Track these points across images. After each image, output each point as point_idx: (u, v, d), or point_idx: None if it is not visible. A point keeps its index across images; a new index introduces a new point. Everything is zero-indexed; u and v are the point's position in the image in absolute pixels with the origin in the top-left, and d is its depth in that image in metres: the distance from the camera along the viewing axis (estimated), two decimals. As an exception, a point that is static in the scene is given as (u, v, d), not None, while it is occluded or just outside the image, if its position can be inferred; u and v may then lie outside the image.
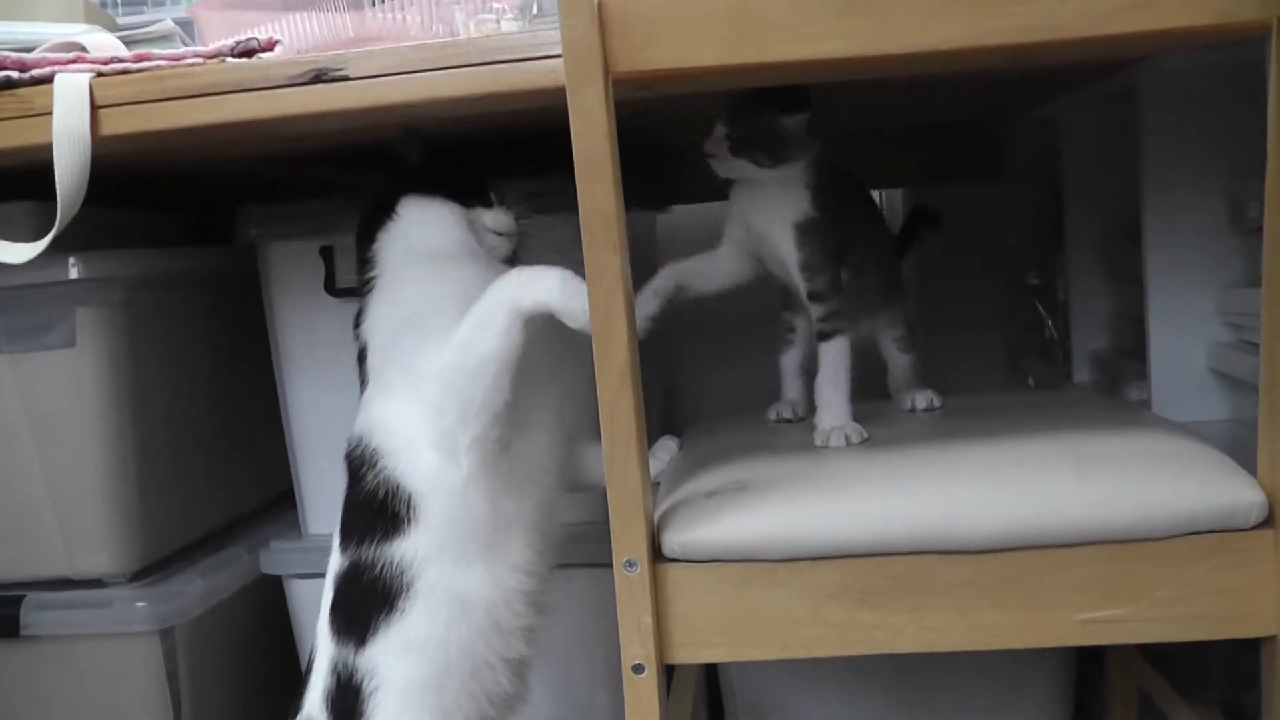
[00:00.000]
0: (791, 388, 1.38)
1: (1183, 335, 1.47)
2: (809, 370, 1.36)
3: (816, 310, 1.25)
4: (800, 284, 1.26)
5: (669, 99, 1.21)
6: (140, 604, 1.49)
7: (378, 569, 1.13)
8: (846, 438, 1.21)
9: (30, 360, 1.47)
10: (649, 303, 1.27)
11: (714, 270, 1.32)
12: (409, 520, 1.13)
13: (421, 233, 1.23)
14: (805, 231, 1.24)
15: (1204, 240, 1.46)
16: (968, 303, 1.99)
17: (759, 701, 1.65)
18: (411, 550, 1.13)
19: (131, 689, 1.50)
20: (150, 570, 1.55)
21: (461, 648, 1.14)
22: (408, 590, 1.13)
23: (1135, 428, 1.17)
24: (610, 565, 1.02)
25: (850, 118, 1.71)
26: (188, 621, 1.52)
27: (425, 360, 1.13)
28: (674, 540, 1.03)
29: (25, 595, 1.50)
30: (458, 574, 1.14)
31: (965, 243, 2.05)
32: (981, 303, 1.97)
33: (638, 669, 1.02)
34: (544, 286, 1.08)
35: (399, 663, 1.13)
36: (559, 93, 0.96)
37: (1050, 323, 1.85)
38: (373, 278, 1.23)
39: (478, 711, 1.17)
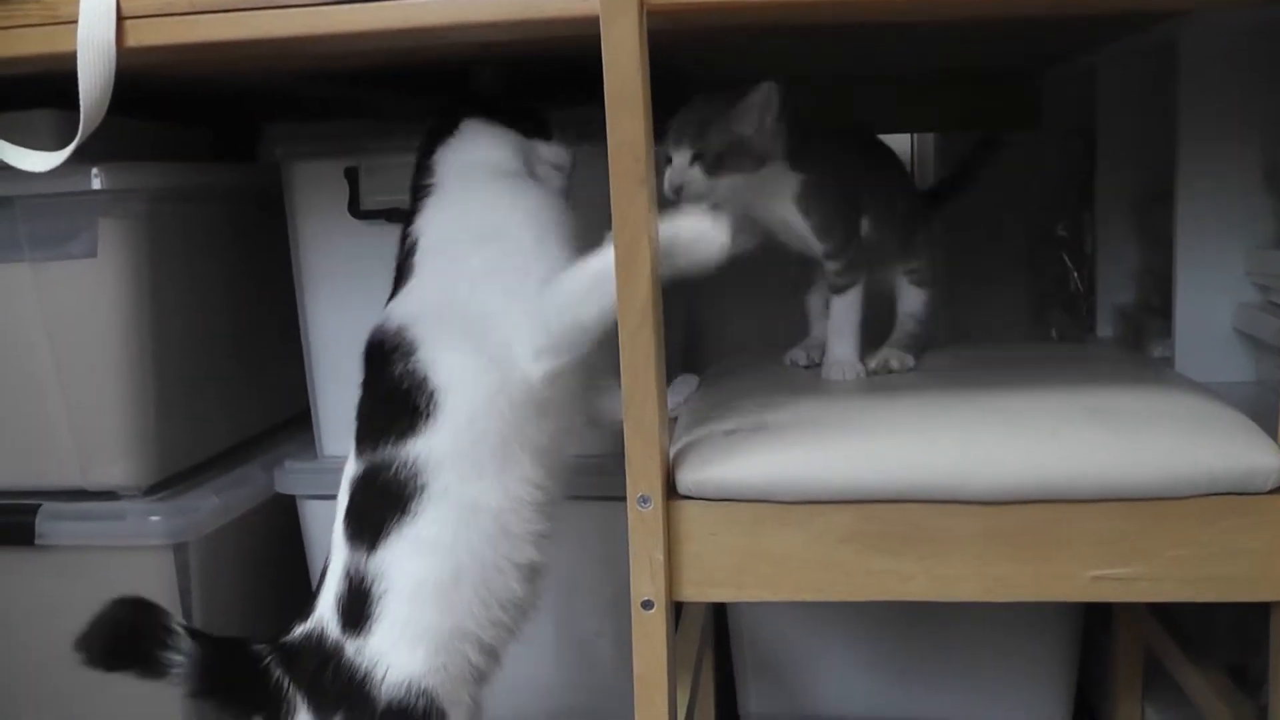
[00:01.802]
0: (820, 328, 1.38)
1: (1209, 294, 1.46)
2: None
3: (832, 266, 1.27)
4: (816, 246, 1.26)
5: (699, 32, 1.19)
6: (154, 518, 1.49)
7: (393, 469, 1.13)
8: (844, 371, 1.26)
9: (51, 269, 1.47)
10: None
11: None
12: (428, 416, 1.13)
13: (479, 151, 1.26)
14: (806, 198, 1.25)
15: (1236, 200, 1.45)
16: (994, 251, 1.97)
17: (766, 642, 1.66)
18: (427, 450, 1.13)
19: (143, 602, 1.51)
20: (165, 485, 1.56)
21: (471, 551, 1.14)
22: (421, 492, 1.13)
23: (1157, 385, 1.17)
24: (623, 498, 1.02)
25: (885, 61, 1.69)
26: (201, 538, 1.53)
27: (513, 271, 1.16)
28: (689, 478, 1.03)
29: (41, 504, 1.51)
30: (469, 479, 1.14)
31: (995, 190, 2.03)
32: (1008, 252, 1.95)
33: (647, 605, 1.02)
34: (709, 244, 1.08)
35: (408, 564, 1.13)
36: (592, 22, 0.95)
37: (1076, 275, 1.83)
38: (430, 184, 1.25)
39: (489, 616, 1.17)
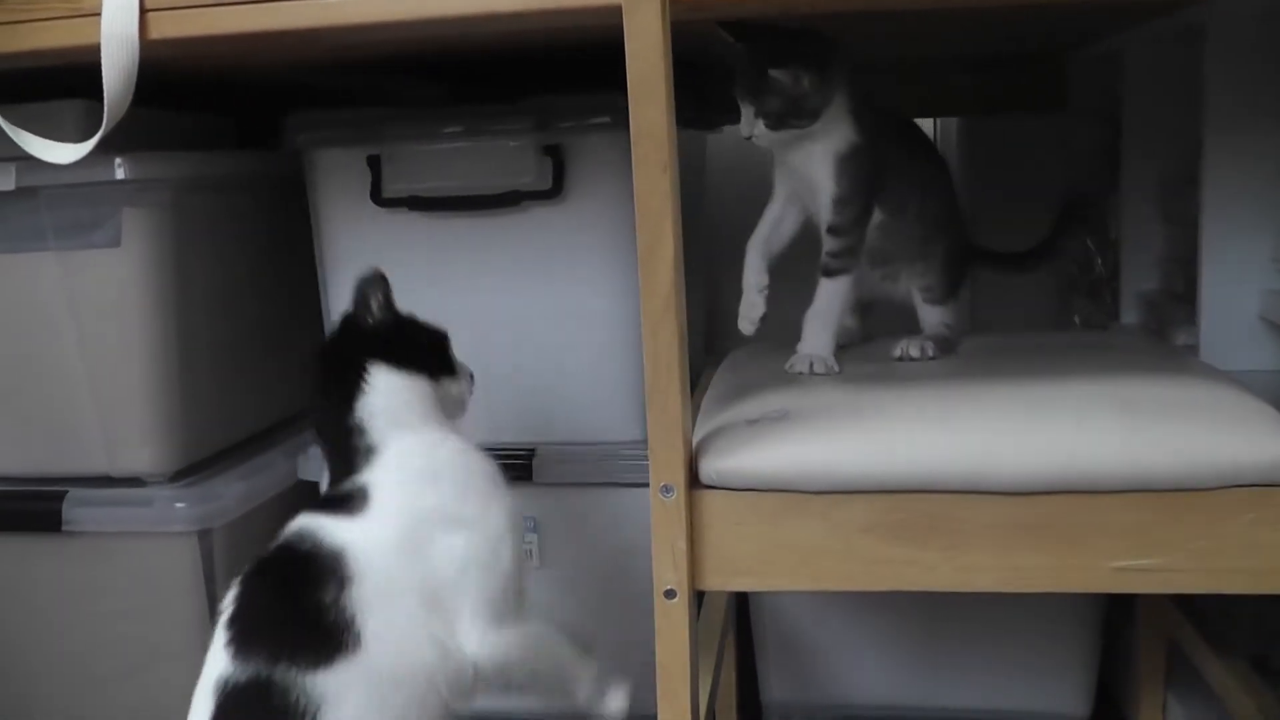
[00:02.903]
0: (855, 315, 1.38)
1: (1235, 281, 1.45)
2: (865, 305, 1.36)
3: (831, 244, 1.26)
4: (827, 216, 1.25)
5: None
6: (180, 504, 1.50)
7: (290, 695, 1.04)
8: (811, 365, 1.25)
9: (76, 258, 1.48)
10: (756, 305, 1.28)
11: (783, 221, 1.32)
12: (348, 654, 1.06)
13: (400, 403, 1.19)
14: (846, 161, 1.24)
15: (1263, 185, 1.43)
16: (1016, 235, 1.96)
17: (788, 631, 1.66)
18: (336, 686, 1.05)
19: (168, 588, 1.52)
20: (190, 471, 1.57)
21: None
22: None
23: (1181, 374, 1.16)
24: (647, 486, 1.02)
25: (912, 44, 1.69)
26: (226, 524, 1.54)
27: (467, 552, 1.13)
28: (711, 467, 1.03)
29: (68, 491, 1.52)
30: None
31: (1019, 175, 2.02)
32: (1031, 236, 1.94)
33: (669, 594, 1.02)
34: None
35: None
36: (615, 11, 0.94)
37: (1100, 261, 1.82)
38: (369, 445, 1.16)
39: None
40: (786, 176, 1.30)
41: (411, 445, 1.17)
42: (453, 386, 1.25)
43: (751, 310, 1.29)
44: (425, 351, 1.23)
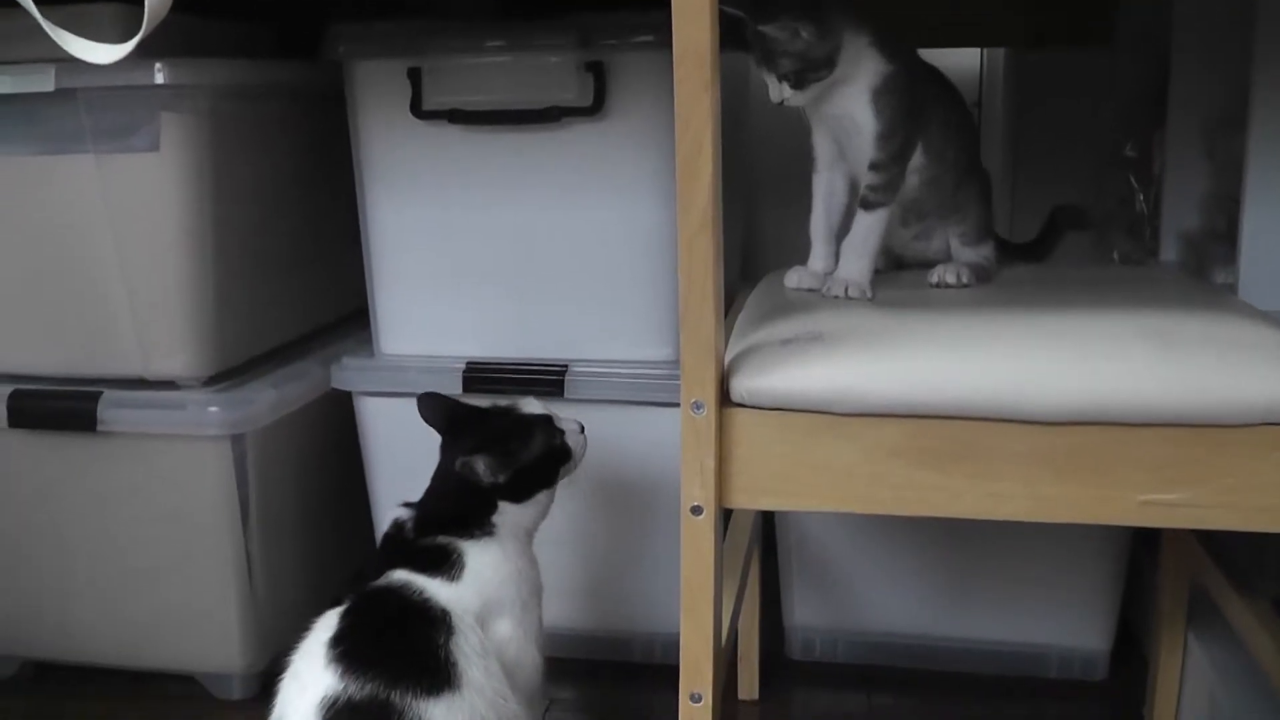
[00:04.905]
0: (896, 237, 1.37)
1: (1277, 221, 1.43)
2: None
3: (872, 178, 1.24)
4: (870, 153, 1.24)
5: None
6: (213, 409, 1.52)
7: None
8: (847, 289, 1.23)
9: (114, 161, 1.48)
10: (813, 277, 1.30)
11: (834, 190, 1.31)
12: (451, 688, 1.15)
13: (521, 519, 1.32)
14: (881, 93, 1.23)
15: (1311, 125, 1.41)
16: (1059, 169, 1.94)
17: (813, 555, 1.67)
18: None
19: (201, 491, 1.54)
20: (224, 376, 1.59)
21: None
22: None
23: (1219, 311, 1.15)
24: (678, 404, 1.02)
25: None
26: (258, 429, 1.56)
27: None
28: (743, 386, 1.03)
29: (103, 392, 1.54)
30: None
31: (1063, 108, 2.00)
32: (1074, 170, 1.92)
33: (696, 510, 1.03)
34: None
35: None
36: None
37: (1142, 197, 1.80)
38: (491, 529, 1.29)
39: None
40: (826, 132, 1.29)
41: (510, 555, 1.30)
42: (568, 468, 1.36)
43: (804, 279, 1.31)
44: (537, 472, 1.33)
